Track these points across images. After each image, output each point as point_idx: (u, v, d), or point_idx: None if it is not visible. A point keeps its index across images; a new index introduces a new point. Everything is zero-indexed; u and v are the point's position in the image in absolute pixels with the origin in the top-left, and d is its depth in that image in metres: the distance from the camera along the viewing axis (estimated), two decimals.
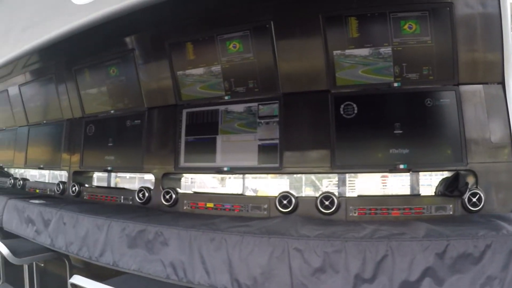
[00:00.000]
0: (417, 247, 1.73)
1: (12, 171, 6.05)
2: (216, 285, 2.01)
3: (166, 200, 3.35)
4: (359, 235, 1.89)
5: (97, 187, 4.41)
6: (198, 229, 2.18)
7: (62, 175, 4.74)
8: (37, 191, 4.89)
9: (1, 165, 5.90)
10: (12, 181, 5.42)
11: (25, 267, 3.11)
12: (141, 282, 2.29)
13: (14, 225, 3.38)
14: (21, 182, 5.25)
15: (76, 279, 2.05)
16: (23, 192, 4.94)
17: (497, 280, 1.65)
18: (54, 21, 2.25)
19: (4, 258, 3.39)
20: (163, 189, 3.43)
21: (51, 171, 5.91)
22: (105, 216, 2.62)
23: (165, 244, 2.24)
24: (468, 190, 2.48)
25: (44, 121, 4.91)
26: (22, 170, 6.09)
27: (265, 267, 1.91)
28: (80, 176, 4.36)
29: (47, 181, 5.90)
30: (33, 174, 6.38)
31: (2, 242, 2.86)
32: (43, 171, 5.87)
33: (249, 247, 1.97)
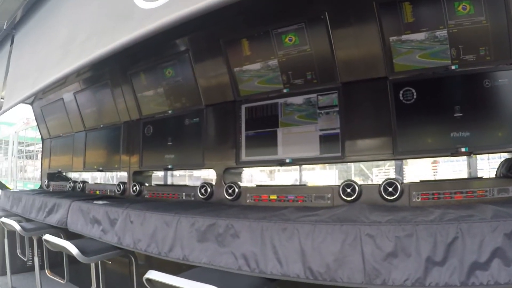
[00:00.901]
0: (486, 228, 1.71)
1: (70, 175, 6.29)
2: (289, 274, 2.03)
3: (229, 194, 3.43)
4: (428, 219, 1.90)
5: (158, 185, 4.53)
6: (269, 220, 2.21)
7: (119, 175, 4.88)
8: (97, 192, 5.07)
9: (59, 169, 6.13)
10: (72, 184, 5.62)
11: (92, 266, 3.21)
12: (212, 274, 2.27)
13: (79, 226, 3.49)
14: (81, 185, 5.45)
15: (152, 274, 2.10)
16: (84, 194, 5.11)
17: None
18: (119, 29, 2.27)
19: (68, 257, 3.54)
20: (225, 183, 3.51)
21: (107, 173, 6.10)
22: (173, 213, 2.67)
23: (236, 237, 2.26)
24: None
25: (101, 125, 5.10)
26: (77, 174, 6.31)
27: (338, 254, 1.91)
28: (139, 176, 4.51)
29: (102, 182, 6.11)
30: (87, 177, 6.58)
31: (71, 243, 2.97)
32: (99, 174, 6.05)
33: (322, 235, 1.98)
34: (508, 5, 2.51)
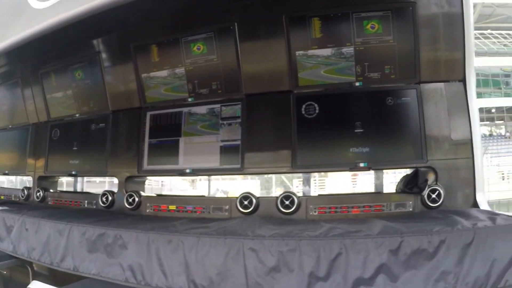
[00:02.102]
0: (371, 244, 1.74)
1: None
2: (173, 287, 2.00)
3: (129, 204, 3.31)
4: (314, 234, 1.90)
5: (62, 192, 4.34)
6: (156, 231, 2.17)
7: (27, 180, 4.66)
8: (2, 197, 4.78)
9: None
10: None
11: None
12: (100, 286, 2.28)
13: None
14: None
15: (35, 284, 2.01)
16: None
17: (452, 274, 1.67)
18: (12, 26, 2.19)
19: None
20: (127, 192, 3.39)
21: (18, 177, 5.80)
22: (66, 221, 2.58)
23: (124, 247, 2.22)
24: (427, 187, 2.52)
25: (10, 126, 4.83)
26: None
27: (221, 268, 1.90)
28: (45, 181, 4.28)
29: (14, 187, 5.80)
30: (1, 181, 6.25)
31: None
32: (10, 177, 5.75)
33: (205, 248, 1.97)
34: (417, 26, 2.60)
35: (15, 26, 2.27)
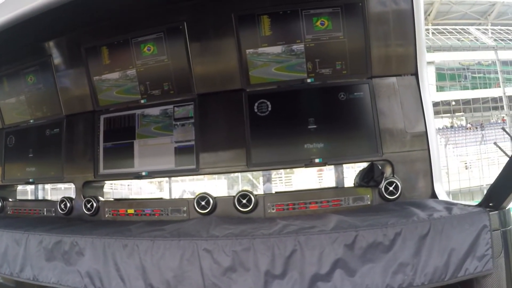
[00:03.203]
0: (325, 240, 1.77)
1: None
2: None
3: (88, 209, 3.26)
4: (268, 232, 1.91)
5: (20, 200, 4.24)
6: (111, 236, 2.16)
7: None
8: None
9: None
10: None
11: None
12: None
13: None
14: None
15: None
16: None
17: (410, 266, 1.71)
18: None
19: None
20: (85, 198, 3.34)
21: None
22: (23, 230, 2.54)
23: (80, 254, 2.20)
24: (384, 180, 2.57)
25: None
26: None
27: (177, 270, 1.91)
28: (3, 190, 4.17)
29: None
30: None
31: None
32: None
33: (160, 251, 1.97)
34: (367, 22, 2.64)
35: None
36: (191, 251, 1.90)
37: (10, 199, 4.11)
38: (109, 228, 2.52)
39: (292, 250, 1.78)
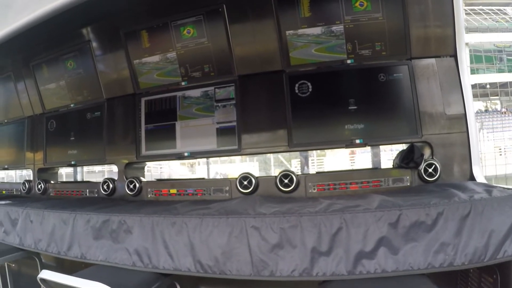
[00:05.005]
0: (370, 218, 1.78)
1: None
2: (180, 268, 2.05)
3: (130, 190, 3.36)
4: (314, 210, 1.93)
5: (62, 182, 4.35)
6: (159, 214, 2.20)
7: (26, 174, 4.66)
8: (4, 192, 4.81)
9: None
10: None
11: None
12: (108, 272, 2.26)
13: None
14: None
15: (45, 273, 2.05)
16: None
17: (451, 246, 1.71)
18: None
19: None
20: (127, 179, 3.43)
21: (17, 171, 5.79)
22: (70, 210, 2.60)
23: (128, 232, 2.26)
24: (423, 161, 2.56)
25: (6, 120, 4.82)
26: None
27: (225, 247, 1.95)
28: (45, 173, 4.32)
29: (14, 181, 5.80)
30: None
31: None
32: (8, 172, 5.75)
33: (209, 228, 2.01)
34: (405, 3, 2.60)
35: (3, 20, 2.25)
36: (240, 228, 1.94)
37: (52, 181, 4.24)
38: (154, 207, 2.58)
39: (338, 228, 1.80)
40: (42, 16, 2.34)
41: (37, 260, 3.18)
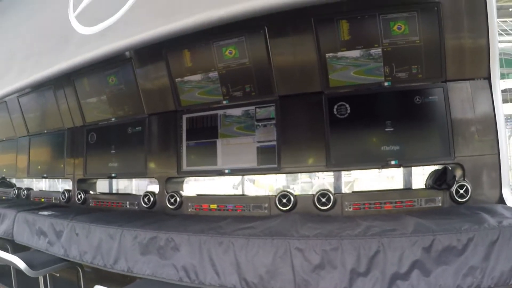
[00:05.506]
0: (406, 243, 1.88)
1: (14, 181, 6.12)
2: (226, 285, 2.16)
3: (171, 204, 3.47)
4: (353, 233, 2.03)
5: (102, 193, 4.48)
6: (206, 233, 2.32)
7: (64, 183, 4.79)
8: (42, 200, 4.96)
9: (3, 176, 5.97)
10: (16, 191, 5.48)
11: (41, 278, 3.21)
12: (155, 286, 2.40)
13: (25, 237, 3.48)
14: (25, 192, 5.31)
15: None
16: (29, 202, 4.99)
17: (479, 270, 1.79)
18: (61, 52, 2.19)
19: (15, 269, 3.50)
20: (167, 193, 3.55)
21: (52, 180, 5.93)
22: (116, 225, 2.73)
23: (176, 250, 2.37)
24: (455, 183, 2.62)
25: (45, 131, 4.99)
26: (23, 180, 6.14)
27: (270, 266, 2.06)
28: (83, 183, 4.46)
29: (47, 189, 5.95)
30: (32, 184, 6.41)
31: (18, 256, 2.95)
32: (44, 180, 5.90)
33: (254, 249, 2.12)
34: (442, 26, 2.65)
35: (63, 52, 2.27)
36: (284, 249, 2.04)
37: (91, 192, 4.39)
38: (199, 224, 2.68)
39: (376, 251, 1.90)
40: (103, 55, 2.39)
41: (80, 270, 3.30)
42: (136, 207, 3.82)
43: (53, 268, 3.10)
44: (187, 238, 2.35)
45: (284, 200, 2.97)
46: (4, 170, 5.88)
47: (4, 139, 5.88)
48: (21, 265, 2.90)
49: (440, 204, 2.69)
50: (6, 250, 3.45)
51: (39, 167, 5.08)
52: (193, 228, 2.51)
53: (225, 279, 2.17)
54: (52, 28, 2.14)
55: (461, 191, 2.60)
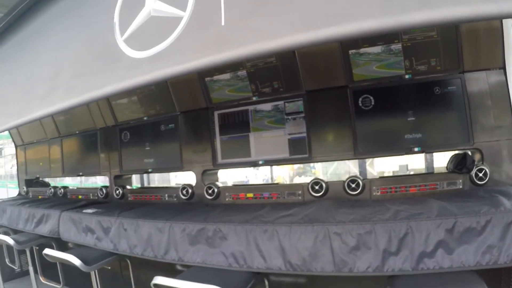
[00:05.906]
0: (431, 225, 2.10)
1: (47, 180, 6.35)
2: (272, 268, 2.41)
3: (209, 194, 3.71)
4: (384, 217, 2.26)
5: (141, 188, 4.68)
6: (251, 223, 2.56)
7: (96, 179, 4.97)
8: (80, 197, 5.19)
9: (37, 176, 6.18)
10: (52, 190, 5.69)
11: (92, 272, 3.40)
12: (207, 272, 2.58)
13: (72, 235, 3.68)
14: (62, 190, 5.53)
15: (158, 279, 2.41)
16: (67, 200, 5.17)
17: (496, 248, 2.00)
18: (108, 75, 2.08)
19: (61, 263, 3.73)
20: (205, 184, 3.79)
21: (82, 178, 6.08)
22: (164, 219, 2.94)
23: (224, 239, 2.60)
24: (475, 167, 2.82)
25: (77, 131, 5.21)
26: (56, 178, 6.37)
27: (311, 249, 2.29)
28: (119, 179, 4.70)
29: (80, 186, 6.13)
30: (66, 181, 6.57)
31: (71, 254, 3.16)
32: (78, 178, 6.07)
33: (297, 234, 2.35)
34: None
35: (111, 75, 2.22)
36: (323, 234, 2.28)
37: (128, 187, 4.63)
38: (241, 214, 2.91)
39: (405, 233, 2.12)
40: (154, 79, 2.41)
41: (129, 262, 3.49)
42: (175, 199, 4.04)
43: (105, 261, 3.29)
44: (233, 228, 2.58)
45: (317, 187, 3.20)
46: (38, 170, 6.09)
47: (35, 141, 6.07)
48: (76, 262, 3.07)
49: (461, 187, 2.88)
50: (51, 247, 3.63)
51: (73, 166, 5.32)
52: (237, 218, 2.75)
53: (271, 262, 2.40)
54: (98, 49, 2.16)
55: (480, 174, 2.79)
